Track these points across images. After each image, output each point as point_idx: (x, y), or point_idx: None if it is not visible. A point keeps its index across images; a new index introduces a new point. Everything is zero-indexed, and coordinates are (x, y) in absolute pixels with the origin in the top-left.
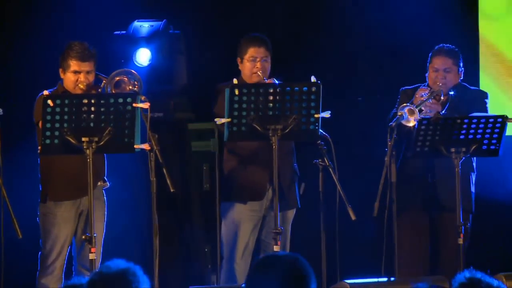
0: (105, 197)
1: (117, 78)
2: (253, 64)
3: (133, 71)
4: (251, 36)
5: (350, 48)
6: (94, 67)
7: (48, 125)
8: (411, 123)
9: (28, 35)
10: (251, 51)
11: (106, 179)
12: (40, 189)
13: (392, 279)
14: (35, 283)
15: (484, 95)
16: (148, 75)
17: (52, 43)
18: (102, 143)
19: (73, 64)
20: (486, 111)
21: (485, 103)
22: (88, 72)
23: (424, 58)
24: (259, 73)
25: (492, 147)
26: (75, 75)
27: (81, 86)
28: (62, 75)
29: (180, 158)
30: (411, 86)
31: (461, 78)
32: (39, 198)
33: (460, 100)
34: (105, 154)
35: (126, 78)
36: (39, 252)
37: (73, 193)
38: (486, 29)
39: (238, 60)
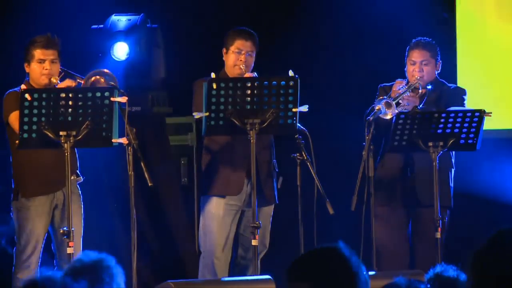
0: (79, 191)
1: (92, 79)
2: (237, 57)
3: (107, 71)
4: (240, 29)
5: (328, 43)
6: (59, 58)
7: (26, 119)
8: (389, 116)
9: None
10: (238, 43)
11: (79, 173)
12: (13, 186)
13: (370, 273)
14: (11, 278)
15: (462, 91)
16: (125, 69)
17: (27, 38)
18: (80, 137)
19: (38, 53)
20: (464, 107)
21: (463, 99)
22: (52, 61)
23: (403, 54)
24: (242, 67)
25: (470, 141)
26: (41, 65)
27: (45, 72)
28: (27, 69)
29: (158, 152)
30: (390, 83)
31: (439, 71)
32: (11, 196)
33: (438, 96)
34: (76, 149)
35: (102, 79)
36: (14, 248)
37: (45, 189)
38: (464, 25)
39: (224, 50)
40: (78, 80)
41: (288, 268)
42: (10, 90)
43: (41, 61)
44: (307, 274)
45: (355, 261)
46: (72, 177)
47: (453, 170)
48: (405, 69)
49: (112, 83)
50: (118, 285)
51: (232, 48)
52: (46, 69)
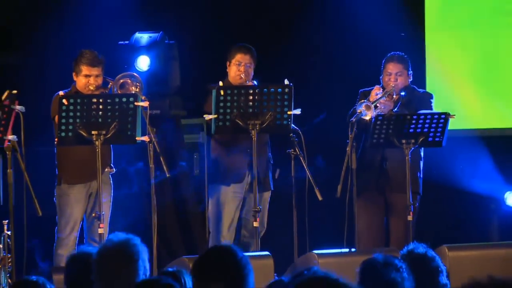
0: (111, 181)
1: (122, 81)
2: (238, 68)
3: (135, 74)
4: (241, 45)
5: (318, 56)
6: (102, 72)
7: (63, 121)
8: (368, 117)
9: (46, 44)
10: (238, 57)
11: (112, 166)
12: (56, 173)
13: (352, 250)
14: (52, 253)
15: (430, 96)
16: (147, 79)
17: (66, 51)
18: (109, 135)
19: (84, 69)
20: (432, 109)
21: (431, 102)
22: (97, 76)
23: (379, 63)
24: (242, 76)
25: (437, 139)
26: (86, 78)
27: (91, 88)
28: (75, 78)
29: (175, 148)
30: (369, 88)
31: (411, 79)
32: (56, 181)
33: (409, 100)
34: (111, 145)
35: (129, 80)
36: (55, 227)
37: (83, 177)
38: (431, 38)
39: (227, 63)
40: (110, 83)
41: (193, 267)
42: (59, 92)
43: (87, 76)
44: (216, 272)
45: (245, 258)
46: (106, 169)
47: (421, 162)
48: (381, 77)
49: (138, 83)
50: (143, 260)
51: (233, 61)
52: (91, 83)
